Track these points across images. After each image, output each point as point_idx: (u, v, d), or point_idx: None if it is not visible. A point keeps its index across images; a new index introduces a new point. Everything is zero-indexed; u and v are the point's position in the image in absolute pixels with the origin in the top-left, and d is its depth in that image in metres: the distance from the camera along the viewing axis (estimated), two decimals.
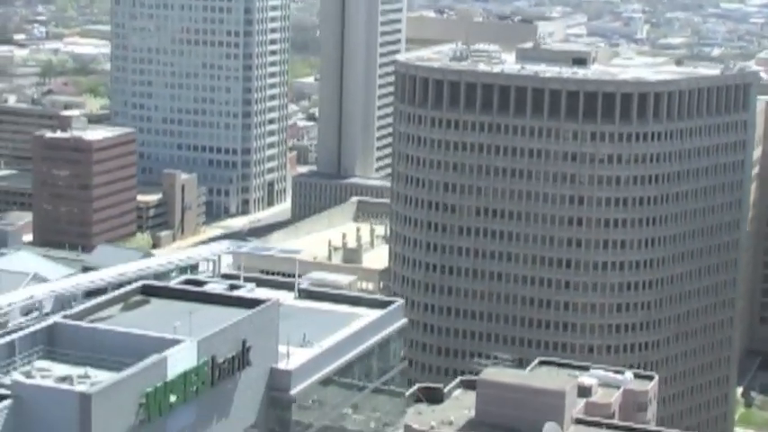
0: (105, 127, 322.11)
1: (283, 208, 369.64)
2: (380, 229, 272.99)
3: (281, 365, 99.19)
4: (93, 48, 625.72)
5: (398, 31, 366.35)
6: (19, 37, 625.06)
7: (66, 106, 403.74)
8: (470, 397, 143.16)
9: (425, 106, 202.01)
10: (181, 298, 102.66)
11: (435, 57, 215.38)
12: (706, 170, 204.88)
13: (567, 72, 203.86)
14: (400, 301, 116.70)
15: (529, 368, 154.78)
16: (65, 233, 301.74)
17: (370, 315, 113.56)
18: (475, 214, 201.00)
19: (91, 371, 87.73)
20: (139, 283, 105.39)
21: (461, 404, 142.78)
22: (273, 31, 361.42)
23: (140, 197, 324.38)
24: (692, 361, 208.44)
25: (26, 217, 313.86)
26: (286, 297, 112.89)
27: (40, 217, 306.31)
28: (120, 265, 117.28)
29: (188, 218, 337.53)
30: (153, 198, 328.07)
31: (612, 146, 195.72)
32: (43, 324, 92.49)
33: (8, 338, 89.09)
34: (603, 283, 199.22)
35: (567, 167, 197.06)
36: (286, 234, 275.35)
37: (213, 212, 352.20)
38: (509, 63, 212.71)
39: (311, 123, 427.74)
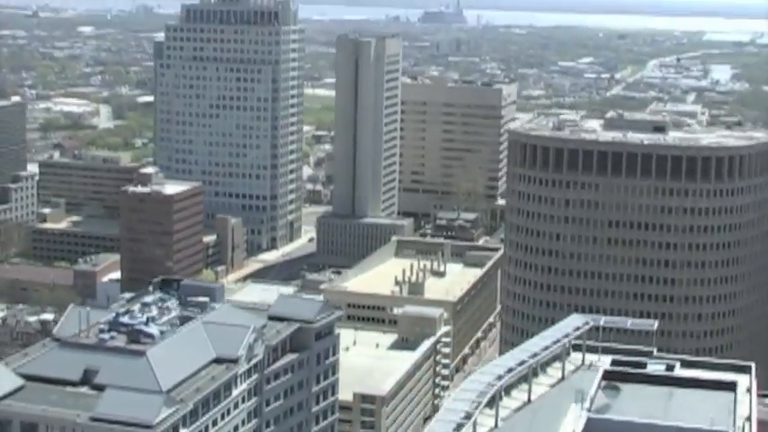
0: (177, 181, 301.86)
1: (302, 242, 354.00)
2: (421, 264, 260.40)
3: None
4: (77, 107, 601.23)
5: (396, 95, 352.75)
6: (15, 99, 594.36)
7: (105, 160, 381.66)
8: None
9: (546, 169, 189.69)
10: (647, 382, 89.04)
11: (534, 126, 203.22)
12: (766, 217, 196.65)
13: (651, 138, 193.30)
14: (752, 364, 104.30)
15: None
16: (149, 272, 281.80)
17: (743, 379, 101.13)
18: (590, 259, 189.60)
19: None
20: (601, 370, 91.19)
21: None
22: (292, 96, 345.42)
23: None
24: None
25: (111, 258, 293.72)
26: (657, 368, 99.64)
27: (128, 258, 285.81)
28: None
29: (236, 255, 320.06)
30: (210, 239, 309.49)
31: (708, 200, 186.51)
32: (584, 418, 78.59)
33: None
34: (698, 313, 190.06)
35: (671, 219, 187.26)
36: (353, 272, 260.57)
37: (248, 249, 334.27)
38: (599, 131, 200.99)
39: None
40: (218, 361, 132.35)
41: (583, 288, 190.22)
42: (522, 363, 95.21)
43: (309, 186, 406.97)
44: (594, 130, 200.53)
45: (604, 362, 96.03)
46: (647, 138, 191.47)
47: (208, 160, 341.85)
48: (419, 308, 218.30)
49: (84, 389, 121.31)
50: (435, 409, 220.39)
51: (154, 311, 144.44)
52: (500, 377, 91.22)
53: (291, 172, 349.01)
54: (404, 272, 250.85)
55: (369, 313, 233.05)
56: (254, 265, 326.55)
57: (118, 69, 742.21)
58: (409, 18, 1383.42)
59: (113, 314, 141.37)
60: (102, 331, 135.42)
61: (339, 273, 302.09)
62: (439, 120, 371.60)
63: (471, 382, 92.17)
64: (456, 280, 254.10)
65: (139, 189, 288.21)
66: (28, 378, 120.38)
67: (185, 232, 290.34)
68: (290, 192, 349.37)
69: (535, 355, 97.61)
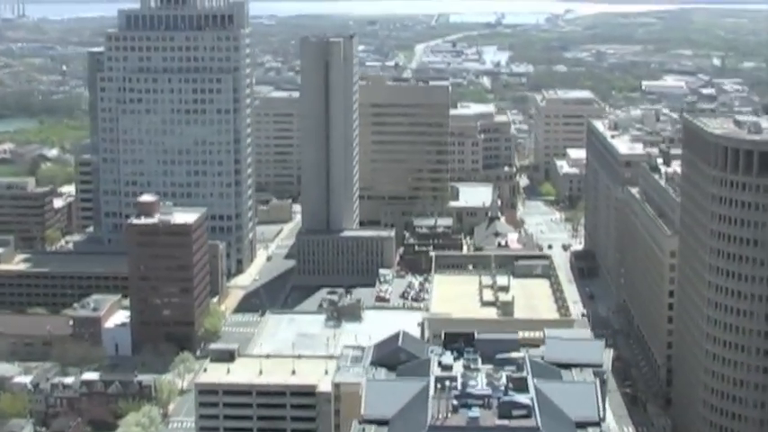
0: (183, 209, 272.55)
1: (261, 262, 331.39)
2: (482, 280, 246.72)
3: None
4: None
5: (357, 99, 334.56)
6: None
7: (10, 186, 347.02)
8: None
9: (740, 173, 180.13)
10: None
11: (729, 129, 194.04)
12: None
13: None
14: None
15: None
16: (163, 313, 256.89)
17: None
18: None
19: None
20: None
21: None
22: (248, 106, 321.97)
23: None
24: None
25: (110, 300, 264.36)
26: None
27: (138, 299, 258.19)
28: None
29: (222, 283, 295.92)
30: None
31: None
32: None
33: None
34: None
35: None
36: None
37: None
38: None
39: None
40: (580, 426, 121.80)
41: None
42: None
43: None
44: None
45: None
46: None
47: (162, 181, 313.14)
48: (560, 331, 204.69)
49: None
50: None
51: (483, 376, 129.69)
52: None
53: (249, 188, 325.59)
54: (480, 290, 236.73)
55: None
56: (234, 292, 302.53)
57: None
58: None
59: (430, 384, 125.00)
60: (456, 408, 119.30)
61: (335, 293, 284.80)
62: (380, 121, 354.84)
63: None
64: (525, 293, 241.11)
65: (145, 220, 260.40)
66: None
67: (199, 265, 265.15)
68: (249, 209, 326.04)
69: None
